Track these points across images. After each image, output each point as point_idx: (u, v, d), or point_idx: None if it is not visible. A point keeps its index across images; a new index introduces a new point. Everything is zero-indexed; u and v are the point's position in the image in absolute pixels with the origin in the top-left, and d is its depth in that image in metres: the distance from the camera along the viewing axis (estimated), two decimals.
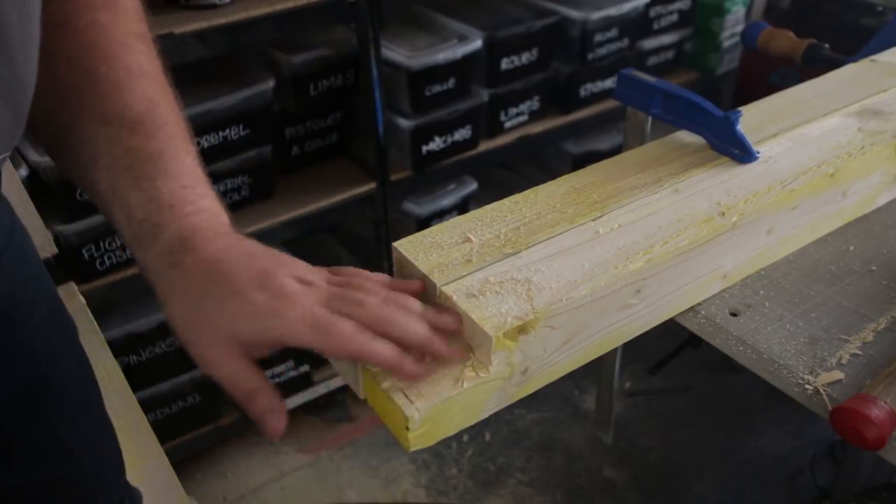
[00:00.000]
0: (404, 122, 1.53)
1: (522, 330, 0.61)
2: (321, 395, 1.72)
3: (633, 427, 1.74)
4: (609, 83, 1.81)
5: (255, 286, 0.52)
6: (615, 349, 1.17)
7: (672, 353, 1.55)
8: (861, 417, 0.64)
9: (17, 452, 0.70)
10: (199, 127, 1.32)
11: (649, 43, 1.88)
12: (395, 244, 0.69)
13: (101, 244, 1.30)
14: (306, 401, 1.70)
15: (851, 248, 0.87)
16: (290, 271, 0.54)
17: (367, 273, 0.60)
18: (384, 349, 0.54)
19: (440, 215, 1.69)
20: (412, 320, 0.56)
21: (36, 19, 0.50)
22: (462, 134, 1.61)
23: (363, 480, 1.64)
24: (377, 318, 0.54)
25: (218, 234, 0.55)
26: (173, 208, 0.54)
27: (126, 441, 1.14)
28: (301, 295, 0.53)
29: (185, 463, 1.63)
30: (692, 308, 0.79)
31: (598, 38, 1.71)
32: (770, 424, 1.73)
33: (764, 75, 1.96)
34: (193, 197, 0.55)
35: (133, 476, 1.19)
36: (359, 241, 1.82)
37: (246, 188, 1.44)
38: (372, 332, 0.54)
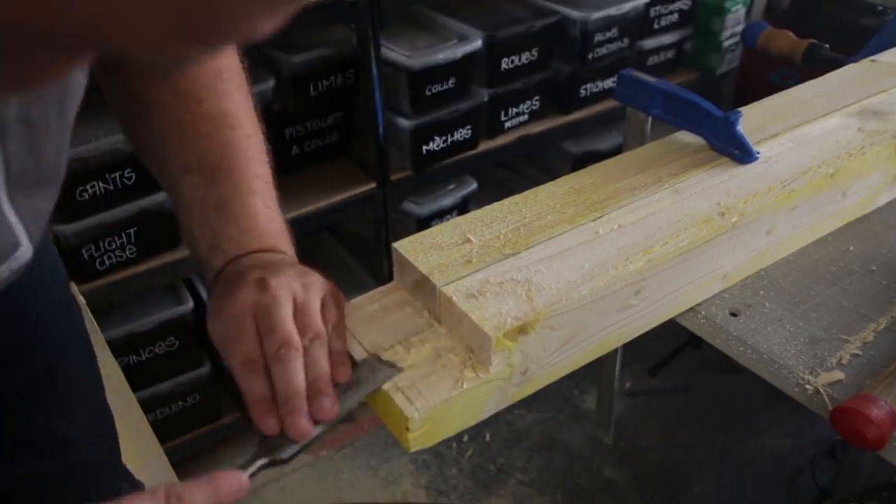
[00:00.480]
0: (404, 122, 1.53)
1: (522, 330, 0.61)
2: None
3: (633, 427, 1.74)
4: (609, 83, 1.81)
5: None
6: (615, 349, 1.17)
7: (672, 353, 1.55)
8: (861, 417, 0.64)
9: (17, 442, 0.71)
10: None
11: (649, 43, 1.88)
12: (395, 245, 0.69)
13: (101, 244, 1.30)
14: None
15: (851, 248, 0.87)
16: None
17: None
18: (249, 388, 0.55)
19: (440, 215, 1.69)
20: (296, 368, 0.55)
21: (71, 113, 0.54)
22: (462, 134, 1.61)
23: (363, 480, 1.64)
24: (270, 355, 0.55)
25: (255, 268, 0.59)
26: (225, 253, 0.61)
27: (126, 441, 1.14)
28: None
29: (185, 463, 1.63)
30: (692, 308, 0.79)
31: (598, 37, 1.71)
32: (770, 424, 1.73)
33: (764, 75, 1.96)
34: (247, 239, 0.61)
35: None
36: (359, 241, 1.82)
37: None
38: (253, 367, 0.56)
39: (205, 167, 0.62)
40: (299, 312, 0.57)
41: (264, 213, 0.63)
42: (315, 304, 0.58)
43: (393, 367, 0.61)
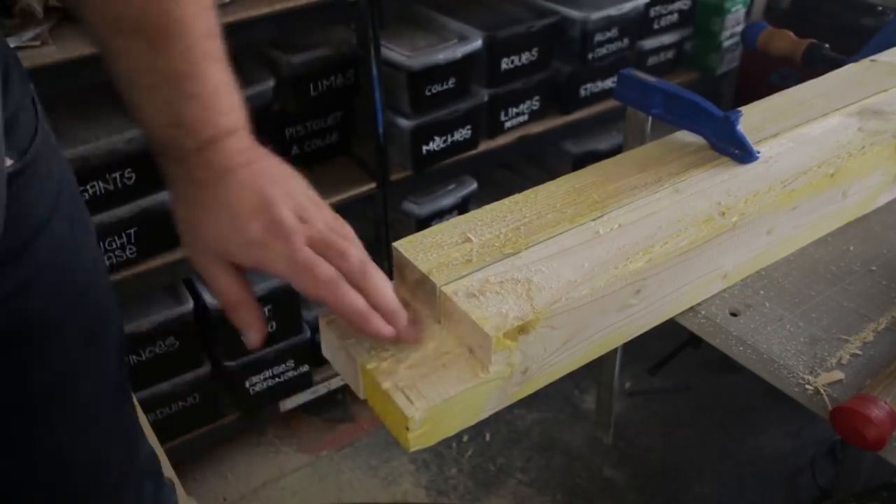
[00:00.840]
0: (404, 122, 1.53)
1: (522, 330, 0.61)
2: (321, 395, 1.72)
3: (633, 427, 1.74)
4: (609, 83, 1.81)
5: (253, 215, 0.56)
6: (615, 349, 1.17)
7: (672, 353, 1.55)
8: (861, 417, 0.64)
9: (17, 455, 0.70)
10: None
11: (649, 43, 1.88)
12: (395, 244, 0.69)
13: (101, 244, 1.30)
14: (306, 401, 1.70)
15: (851, 248, 0.87)
16: (292, 202, 0.58)
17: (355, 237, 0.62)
18: (357, 301, 0.57)
19: (440, 215, 1.68)
20: (386, 285, 0.59)
21: None
22: (462, 134, 1.61)
23: (363, 480, 1.64)
24: (357, 272, 0.57)
25: (238, 151, 0.58)
26: (196, 133, 0.56)
27: None
28: (292, 231, 0.56)
29: (185, 463, 1.63)
30: (692, 308, 0.79)
31: (598, 37, 1.71)
32: (770, 424, 1.73)
33: (764, 75, 1.96)
34: (215, 117, 0.57)
35: None
36: (359, 240, 1.82)
37: None
38: (348, 285, 0.57)
39: (144, 29, 0.53)
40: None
41: (223, 84, 0.57)
42: (347, 231, 0.61)
43: None
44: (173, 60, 0.54)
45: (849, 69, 1.02)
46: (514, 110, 1.70)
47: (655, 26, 1.88)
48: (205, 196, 0.57)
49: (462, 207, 1.73)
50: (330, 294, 0.56)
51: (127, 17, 0.53)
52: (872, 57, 1.05)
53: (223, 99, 0.58)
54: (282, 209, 0.57)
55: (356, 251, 0.58)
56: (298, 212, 0.58)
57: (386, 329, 0.58)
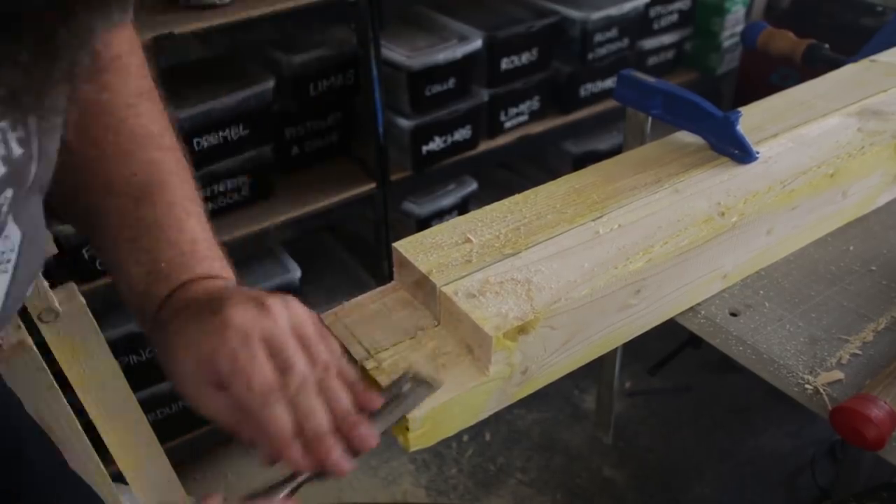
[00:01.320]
0: (404, 122, 1.53)
1: (522, 330, 0.61)
2: None
3: (633, 427, 1.74)
4: (609, 83, 1.81)
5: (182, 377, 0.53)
6: (615, 349, 1.17)
7: (672, 353, 1.55)
8: (861, 417, 0.64)
9: None
10: (199, 127, 1.32)
11: (649, 43, 1.88)
12: (395, 245, 0.69)
13: None
14: None
15: (851, 248, 0.87)
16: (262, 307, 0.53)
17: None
18: (273, 424, 0.51)
19: (440, 215, 1.68)
20: (317, 406, 0.52)
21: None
22: (462, 134, 1.61)
23: (363, 480, 1.64)
24: (292, 390, 0.51)
25: (210, 294, 0.55)
26: (169, 278, 0.56)
27: (126, 441, 1.14)
28: (246, 330, 0.51)
29: (185, 463, 1.63)
30: (692, 308, 0.79)
31: (598, 38, 1.71)
32: (770, 424, 1.73)
33: (764, 75, 1.96)
34: (192, 262, 0.57)
35: (133, 476, 1.19)
36: (359, 241, 1.82)
37: (246, 188, 1.44)
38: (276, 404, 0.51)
39: (132, 188, 0.58)
40: (301, 342, 0.53)
41: (203, 237, 0.59)
42: (311, 331, 0.54)
43: (431, 385, 0.58)
44: (156, 211, 0.57)
45: (848, 69, 1.02)
46: (514, 110, 1.70)
47: (655, 26, 1.88)
48: (172, 339, 0.54)
49: (462, 207, 1.73)
50: (252, 409, 0.50)
51: (118, 181, 0.57)
52: (872, 57, 1.05)
53: (199, 246, 0.58)
54: (236, 311, 0.51)
55: (300, 367, 0.51)
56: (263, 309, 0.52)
57: (306, 463, 0.51)
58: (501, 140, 1.70)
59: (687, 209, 0.75)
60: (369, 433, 0.52)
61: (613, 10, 1.70)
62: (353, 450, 0.52)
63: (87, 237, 0.61)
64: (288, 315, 0.53)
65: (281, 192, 1.51)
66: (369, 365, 0.62)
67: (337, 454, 0.51)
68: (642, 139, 1.07)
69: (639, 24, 1.79)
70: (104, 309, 1.34)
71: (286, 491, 0.51)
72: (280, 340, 0.51)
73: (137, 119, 0.60)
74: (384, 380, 0.60)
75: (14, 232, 0.49)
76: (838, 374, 0.71)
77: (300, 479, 0.51)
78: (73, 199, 0.59)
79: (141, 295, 0.56)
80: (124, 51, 0.61)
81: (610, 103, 1.81)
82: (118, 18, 0.44)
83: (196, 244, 0.58)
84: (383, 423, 0.55)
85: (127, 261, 0.57)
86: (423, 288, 0.67)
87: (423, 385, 0.59)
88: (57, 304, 1.00)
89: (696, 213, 0.74)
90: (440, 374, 0.61)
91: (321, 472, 0.52)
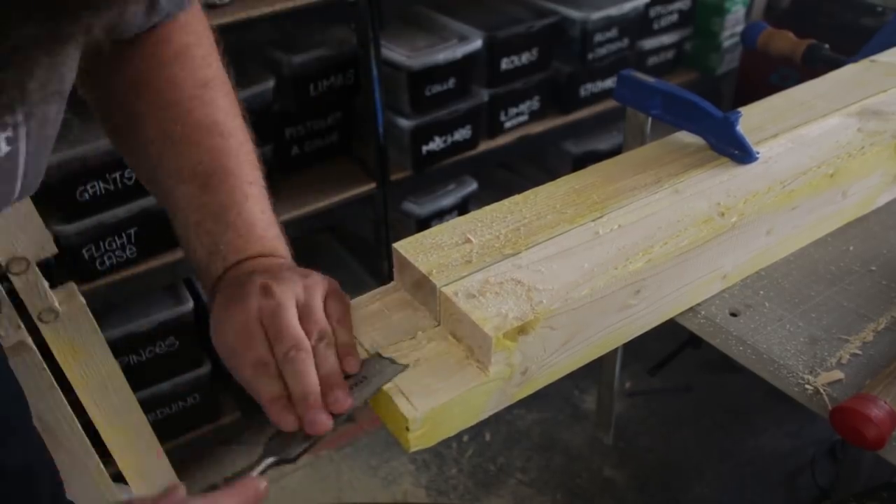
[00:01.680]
0: (404, 122, 1.53)
1: (522, 330, 0.61)
2: None
3: (633, 427, 1.74)
4: (609, 83, 1.81)
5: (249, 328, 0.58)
6: (615, 349, 1.17)
7: (672, 353, 1.55)
8: (861, 417, 0.64)
9: None
10: None
11: (649, 43, 1.88)
12: (395, 245, 0.69)
13: (101, 244, 1.30)
14: None
15: (851, 248, 0.87)
16: (290, 292, 0.59)
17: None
18: (268, 389, 0.56)
19: (440, 215, 1.68)
20: (306, 370, 0.56)
21: (51, 143, 0.53)
22: (462, 134, 1.61)
23: (363, 480, 1.64)
24: (279, 358, 0.57)
25: (255, 267, 0.61)
26: (226, 258, 0.62)
27: (126, 441, 1.14)
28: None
29: (185, 463, 1.63)
30: (692, 308, 0.79)
31: (598, 38, 1.71)
32: (770, 424, 1.73)
33: (764, 75, 1.96)
34: (246, 244, 0.62)
35: (133, 476, 1.19)
36: (359, 241, 1.82)
37: None
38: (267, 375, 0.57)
39: (198, 176, 0.63)
40: (304, 314, 0.58)
41: (261, 219, 0.64)
42: (318, 303, 0.59)
43: (398, 364, 0.61)
44: (219, 196, 0.63)
45: (848, 69, 1.02)
46: (514, 110, 1.70)
47: (655, 26, 1.88)
48: (214, 311, 0.60)
49: (462, 207, 1.73)
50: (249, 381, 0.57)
51: (186, 169, 0.63)
52: (872, 57, 1.05)
53: (254, 227, 0.63)
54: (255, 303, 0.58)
55: (293, 333, 0.56)
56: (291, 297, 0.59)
57: (286, 422, 0.55)
58: (501, 140, 1.70)
59: (687, 209, 0.75)
60: (344, 396, 0.56)
61: (613, 10, 1.70)
62: (329, 412, 0.56)
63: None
64: (292, 290, 0.58)
65: (281, 192, 1.51)
66: None
67: (317, 412, 0.55)
68: (642, 139, 1.07)
69: (639, 24, 1.79)
70: (104, 309, 1.35)
71: (259, 469, 0.54)
72: (276, 315, 0.57)
73: (203, 108, 0.65)
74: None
75: None
76: (838, 374, 0.71)
77: (268, 461, 0.55)
78: (151, 182, 0.66)
79: (202, 271, 0.63)
80: (190, 42, 0.66)
81: (610, 103, 1.81)
82: (127, 28, 0.45)
83: (253, 225, 0.63)
84: (359, 397, 0.58)
85: (193, 241, 0.63)
86: (423, 288, 0.67)
87: (393, 365, 0.62)
88: (57, 304, 1.00)
89: (696, 214, 0.74)
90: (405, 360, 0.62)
91: (285, 458, 0.56)
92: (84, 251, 1.30)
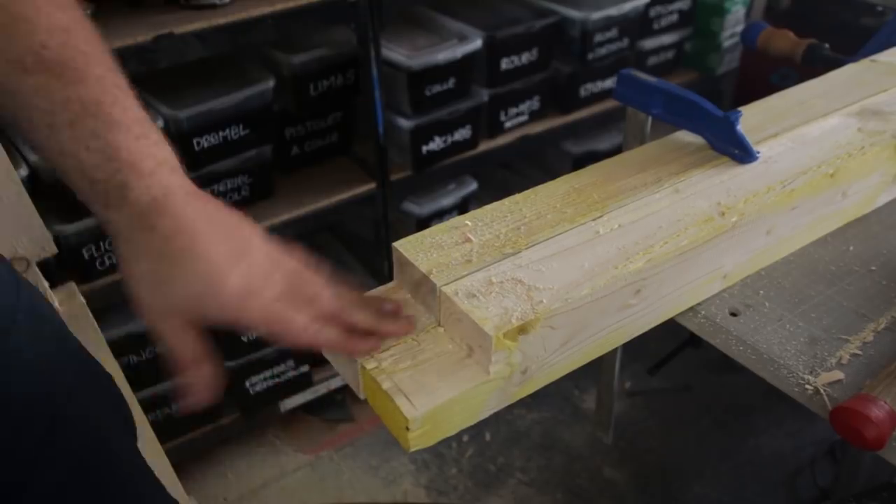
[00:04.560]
0: (404, 122, 1.53)
1: (522, 330, 0.61)
2: (321, 395, 1.72)
3: (633, 427, 1.74)
4: (609, 83, 1.81)
5: (228, 269, 0.54)
6: (615, 349, 1.17)
7: (672, 353, 1.55)
8: (861, 417, 0.64)
9: None
10: (199, 127, 1.32)
11: (649, 43, 1.88)
12: (395, 244, 0.69)
13: (101, 244, 1.30)
14: (306, 401, 1.70)
15: (851, 248, 0.87)
16: (257, 257, 0.57)
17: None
18: (330, 336, 0.60)
19: (440, 215, 1.68)
20: (357, 312, 0.62)
21: None
22: (462, 134, 1.61)
23: (363, 480, 1.64)
24: (327, 316, 0.60)
25: (188, 193, 0.54)
26: (135, 166, 0.52)
27: None
28: (264, 288, 0.56)
29: (185, 463, 1.63)
30: (692, 308, 0.79)
31: (598, 38, 1.71)
32: (770, 424, 1.73)
33: (764, 75, 1.96)
34: (151, 148, 0.53)
35: None
36: (359, 241, 1.82)
37: (246, 188, 1.44)
38: (321, 323, 0.59)
39: (50, 63, 0.51)
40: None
41: (144, 116, 0.54)
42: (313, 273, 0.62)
43: None
44: (89, 88, 0.51)
45: (848, 69, 1.02)
46: (514, 110, 1.70)
47: (655, 26, 1.88)
48: (172, 250, 0.53)
49: (462, 207, 1.73)
50: (306, 341, 0.58)
51: (30, 54, 0.50)
52: (872, 57, 1.05)
53: (150, 129, 0.54)
54: (256, 258, 0.56)
55: (324, 293, 0.60)
56: (266, 261, 0.57)
57: (365, 347, 0.62)
58: (501, 140, 1.70)
59: (687, 209, 0.75)
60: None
61: (613, 10, 1.70)
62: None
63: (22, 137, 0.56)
64: (290, 265, 0.59)
65: (281, 192, 1.51)
66: (369, 365, 0.62)
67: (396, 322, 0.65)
68: (642, 139, 1.07)
69: (639, 24, 1.79)
70: (104, 309, 1.34)
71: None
72: (296, 288, 0.59)
73: None
74: (385, 381, 0.61)
75: None
76: (838, 374, 0.71)
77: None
78: None
79: (104, 183, 0.53)
80: None
81: (610, 103, 1.82)
82: None
83: (144, 123, 0.53)
84: None
85: (74, 147, 0.52)
86: (423, 288, 0.67)
87: None
88: (57, 304, 1.00)
89: (696, 213, 0.74)
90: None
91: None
92: (84, 251, 1.30)
